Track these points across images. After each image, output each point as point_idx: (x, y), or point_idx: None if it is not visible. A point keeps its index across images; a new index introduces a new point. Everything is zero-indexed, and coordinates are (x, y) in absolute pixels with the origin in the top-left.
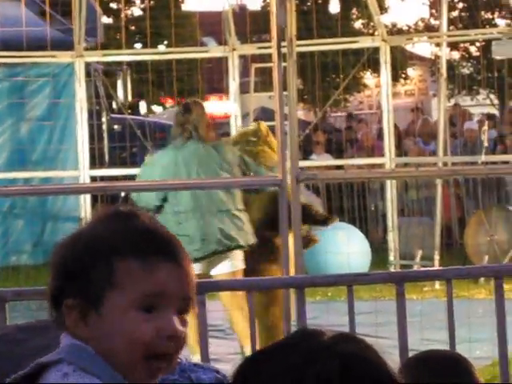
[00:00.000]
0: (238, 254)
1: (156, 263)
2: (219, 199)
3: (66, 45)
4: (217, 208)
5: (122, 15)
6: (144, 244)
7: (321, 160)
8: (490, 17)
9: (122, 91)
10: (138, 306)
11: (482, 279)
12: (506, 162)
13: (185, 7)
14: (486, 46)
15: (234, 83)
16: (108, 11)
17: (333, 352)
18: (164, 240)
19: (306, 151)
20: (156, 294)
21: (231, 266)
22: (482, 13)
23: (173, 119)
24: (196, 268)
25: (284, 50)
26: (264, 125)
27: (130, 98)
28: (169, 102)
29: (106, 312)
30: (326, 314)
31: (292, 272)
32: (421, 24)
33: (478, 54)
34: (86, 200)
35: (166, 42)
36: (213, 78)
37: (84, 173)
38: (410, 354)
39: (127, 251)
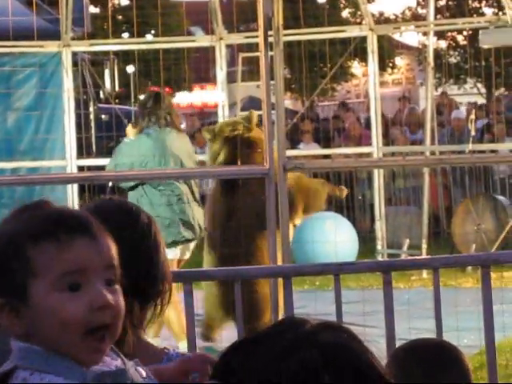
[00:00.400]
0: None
1: (69, 241)
2: (194, 189)
3: (52, 34)
4: (192, 197)
5: (109, 5)
6: (54, 226)
7: (308, 149)
8: (477, 6)
9: (109, 81)
10: (62, 287)
11: (470, 268)
12: (494, 151)
13: None
14: (473, 35)
15: (221, 73)
16: (95, 1)
17: (314, 341)
18: (74, 218)
19: (293, 140)
20: (75, 270)
21: (188, 254)
22: (469, 1)
23: (139, 108)
24: (174, 252)
25: (271, 39)
26: (256, 114)
27: (117, 87)
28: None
29: (33, 302)
30: (313, 303)
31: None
32: (408, 13)
33: (465, 42)
34: (73, 190)
35: (153, 32)
36: (200, 67)
37: (71, 162)
38: (398, 343)
39: (39, 237)
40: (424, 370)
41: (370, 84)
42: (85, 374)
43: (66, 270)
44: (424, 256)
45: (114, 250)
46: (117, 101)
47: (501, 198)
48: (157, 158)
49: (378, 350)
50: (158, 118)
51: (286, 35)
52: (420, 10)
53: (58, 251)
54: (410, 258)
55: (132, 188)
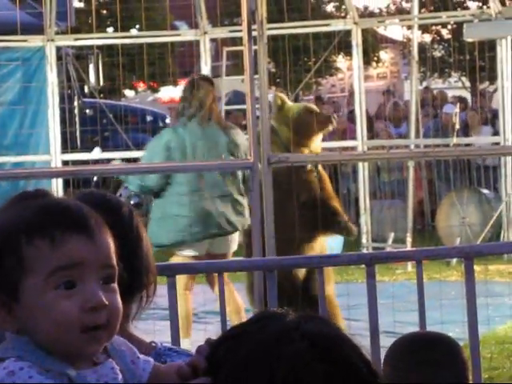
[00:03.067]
0: (235, 236)
1: (64, 237)
2: (222, 183)
3: (36, 29)
4: (220, 192)
5: None
6: (49, 221)
7: None
8: None
9: (94, 75)
10: (55, 284)
11: (454, 261)
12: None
13: None
14: (458, 29)
15: (205, 67)
16: None
17: (302, 331)
18: (72, 213)
19: None
20: (68, 267)
21: (228, 247)
22: None
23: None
24: (196, 249)
25: (255, 33)
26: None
27: (101, 82)
28: (140, 87)
29: (26, 300)
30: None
31: None
32: (392, 7)
33: (449, 36)
34: (58, 184)
35: (137, 26)
36: (185, 61)
37: (56, 157)
38: (382, 337)
39: (33, 232)
40: (422, 363)
41: (354, 78)
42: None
43: (58, 267)
44: (407, 248)
45: (112, 248)
46: (101, 95)
47: (485, 191)
48: (173, 152)
49: (362, 343)
50: (190, 108)
51: (269, 29)
52: (404, 4)
53: (52, 248)
54: (392, 250)
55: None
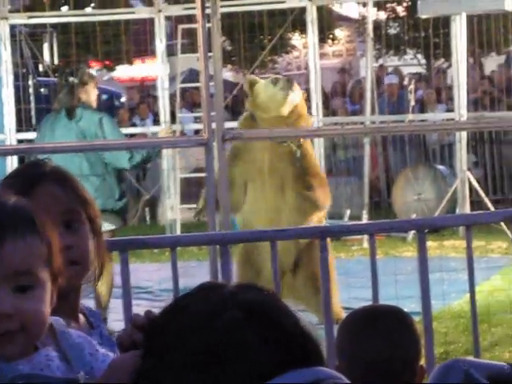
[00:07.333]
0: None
1: None
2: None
3: None
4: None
5: None
6: None
7: None
8: None
9: (48, 54)
10: None
11: (410, 237)
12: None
13: None
14: (413, 6)
15: (160, 45)
16: None
17: (237, 300)
18: None
19: (235, 112)
20: None
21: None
22: None
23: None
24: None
25: (208, 11)
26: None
27: (56, 60)
28: (94, 66)
29: None
30: None
31: None
32: None
33: (404, 13)
34: (12, 163)
35: (92, 5)
36: (140, 40)
37: (10, 136)
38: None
39: None
40: (374, 334)
41: (309, 56)
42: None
43: None
44: (359, 222)
45: (26, 255)
46: (56, 74)
47: (440, 167)
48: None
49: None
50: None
51: (224, 6)
52: None
53: None
54: (345, 223)
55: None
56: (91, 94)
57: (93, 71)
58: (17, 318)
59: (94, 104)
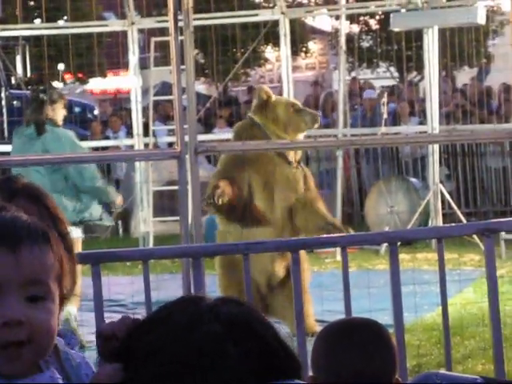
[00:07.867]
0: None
1: None
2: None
3: None
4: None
5: None
6: None
7: (222, 134)
8: None
9: (21, 67)
10: None
11: (383, 250)
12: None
13: None
14: (385, 19)
15: (133, 57)
16: None
17: (216, 313)
18: None
19: (207, 125)
20: None
21: None
22: None
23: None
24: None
25: (181, 24)
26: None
27: (28, 73)
28: (67, 78)
29: None
30: None
31: None
32: None
33: (377, 26)
34: None
35: (65, 18)
36: (113, 52)
37: None
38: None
39: None
40: (350, 346)
41: (282, 68)
42: None
43: None
44: (332, 235)
45: (41, 264)
46: (29, 87)
47: (413, 179)
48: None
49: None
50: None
51: (197, 19)
52: None
53: None
54: (317, 236)
55: None
56: (58, 113)
57: (65, 86)
58: (26, 327)
59: (60, 123)
